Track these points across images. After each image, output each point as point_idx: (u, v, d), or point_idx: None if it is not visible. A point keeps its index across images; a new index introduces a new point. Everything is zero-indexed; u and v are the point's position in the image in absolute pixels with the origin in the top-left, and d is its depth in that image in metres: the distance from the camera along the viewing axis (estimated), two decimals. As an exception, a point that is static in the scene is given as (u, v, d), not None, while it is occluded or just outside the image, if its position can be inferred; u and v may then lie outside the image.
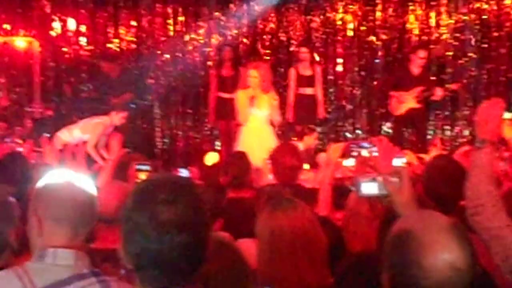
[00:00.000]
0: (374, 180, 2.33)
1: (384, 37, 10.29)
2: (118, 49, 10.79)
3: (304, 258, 2.40)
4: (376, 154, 3.10)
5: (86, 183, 2.18)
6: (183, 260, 1.63)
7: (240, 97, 7.75)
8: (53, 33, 10.67)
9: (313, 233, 2.48)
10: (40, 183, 2.15)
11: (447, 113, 10.05)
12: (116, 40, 10.84)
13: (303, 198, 2.81)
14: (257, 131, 7.70)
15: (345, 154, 4.30)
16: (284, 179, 4.06)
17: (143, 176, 3.52)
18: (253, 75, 7.58)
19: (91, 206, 2.15)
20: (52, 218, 2.08)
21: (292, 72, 9.23)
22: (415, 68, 8.87)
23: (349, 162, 4.66)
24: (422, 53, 8.86)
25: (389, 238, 1.73)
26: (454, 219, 1.75)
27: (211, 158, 6.17)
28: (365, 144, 3.59)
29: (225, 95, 9.37)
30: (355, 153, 3.73)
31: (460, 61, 9.96)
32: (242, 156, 4.65)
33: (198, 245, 1.66)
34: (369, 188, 2.33)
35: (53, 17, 10.68)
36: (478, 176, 2.25)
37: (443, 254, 1.62)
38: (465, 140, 9.57)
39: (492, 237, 2.13)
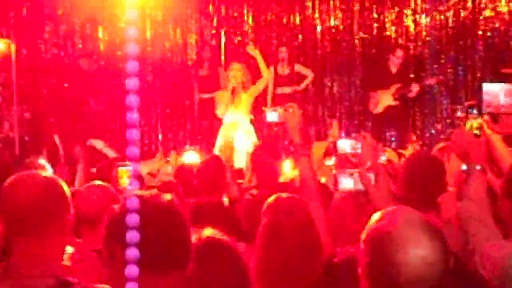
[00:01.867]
0: (351, 175, 2.41)
1: (361, 35, 10.34)
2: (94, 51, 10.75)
3: (301, 256, 2.42)
4: (359, 151, 3.16)
5: (49, 183, 2.05)
6: (165, 247, 1.70)
7: (221, 94, 7.76)
8: (30, 35, 10.61)
9: (311, 232, 2.51)
10: (3, 186, 2.05)
11: (426, 110, 10.13)
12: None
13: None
14: (235, 131, 7.69)
15: (328, 153, 4.34)
16: (263, 178, 4.07)
17: (126, 176, 3.53)
18: (236, 68, 7.59)
19: (55, 207, 2.02)
20: (14, 223, 1.97)
21: (270, 71, 9.24)
22: (393, 67, 8.97)
23: (331, 162, 4.69)
24: (399, 52, 9.00)
25: (363, 237, 1.76)
26: (427, 215, 1.78)
27: (189, 157, 6.15)
28: (348, 142, 3.64)
29: (205, 96, 9.39)
30: (338, 151, 3.76)
31: (438, 59, 10.06)
32: (216, 160, 4.64)
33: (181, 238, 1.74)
34: (346, 183, 2.42)
35: (29, 18, 10.62)
36: (468, 209, 2.30)
37: (415, 249, 1.64)
38: (443, 137, 9.65)
39: (483, 256, 2.20)
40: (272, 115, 3.08)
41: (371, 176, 2.37)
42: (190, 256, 1.76)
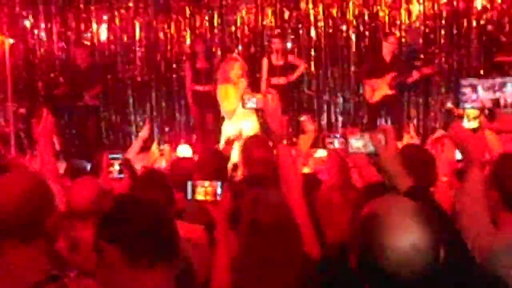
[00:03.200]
0: (362, 137, 2.44)
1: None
2: (90, 44, 10.76)
3: (281, 246, 2.44)
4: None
5: (33, 184, 2.02)
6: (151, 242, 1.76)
7: (222, 91, 7.60)
8: (24, 30, 10.62)
9: (289, 222, 2.52)
10: None
11: (420, 99, 10.13)
12: (88, 36, 10.82)
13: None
14: (240, 124, 7.59)
15: (317, 145, 4.35)
16: (253, 171, 4.04)
17: (116, 165, 3.54)
18: (237, 67, 7.48)
19: (39, 209, 2.01)
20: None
21: (264, 62, 9.29)
22: (387, 55, 8.97)
23: (321, 153, 4.71)
24: (391, 39, 8.99)
25: (357, 221, 1.79)
26: (419, 204, 1.80)
27: (182, 151, 6.15)
28: (338, 135, 3.67)
29: (200, 88, 9.41)
30: (329, 145, 3.80)
31: (431, 48, 10.05)
32: (217, 153, 4.59)
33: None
34: (357, 145, 2.46)
35: (23, 14, 10.63)
36: (465, 200, 2.32)
37: (405, 235, 1.67)
38: (438, 126, 9.67)
39: (474, 249, 2.24)
40: (251, 102, 3.09)
41: (381, 137, 2.39)
42: (177, 251, 1.79)
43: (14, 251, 1.96)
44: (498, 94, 2.31)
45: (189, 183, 3.29)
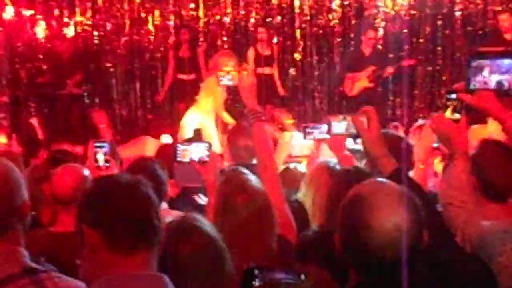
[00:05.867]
0: (344, 119, 2.46)
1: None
2: (74, 33, 10.68)
3: (253, 230, 2.46)
4: (326, 136, 3.20)
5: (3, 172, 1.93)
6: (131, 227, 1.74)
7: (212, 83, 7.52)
8: (6, 18, 10.52)
9: (265, 208, 2.53)
10: None
11: (404, 90, 10.15)
12: (72, 23, 10.73)
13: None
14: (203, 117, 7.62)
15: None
16: (239, 159, 4.05)
17: (100, 154, 3.53)
18: (230, 64, 7.42)
19: (12, 197, 1.91)
20: None
21: (250, 52, 9.31)
22: (366, 49, 9.01)
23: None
24: (371, 34, 9.06)
25: (344, 201, 1.82)
26: (404, 186, 1.85)
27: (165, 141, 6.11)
28: (318, 126, 3.69)
29: (183, 77, 9.40)
30: (309, 135, 3.83)
31: (416, 39, 10.10)
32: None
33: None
34: (339, 127, 2.47)
35: (6, 1, 10.52)
36: (452, 193, 2.35)
37: (390, 216, 1.71)
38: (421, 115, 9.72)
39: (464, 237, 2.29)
40: (226, 79, 3.08)
41: (364, 120, 2.42)
42: (158, 235, 1.77)
43: None
44: (505, 77, 2.27)
45: (177, 146, 3.37)
